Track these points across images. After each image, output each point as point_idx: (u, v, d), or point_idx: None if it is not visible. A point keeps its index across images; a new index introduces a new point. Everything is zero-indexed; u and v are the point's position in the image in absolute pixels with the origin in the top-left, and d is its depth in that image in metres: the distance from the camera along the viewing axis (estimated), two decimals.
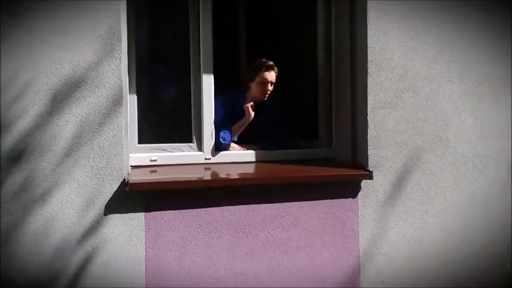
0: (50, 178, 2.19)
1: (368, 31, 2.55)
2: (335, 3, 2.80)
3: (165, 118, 3.13)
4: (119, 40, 2.25)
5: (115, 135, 2.26)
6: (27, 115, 2.16)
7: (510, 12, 2.80)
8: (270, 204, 2.48)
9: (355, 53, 2.67)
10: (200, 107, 2.65)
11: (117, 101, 2.26)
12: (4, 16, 2.11)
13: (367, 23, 2.55)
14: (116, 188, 2.26)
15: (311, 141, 2.96)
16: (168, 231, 2.34)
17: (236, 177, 2.51)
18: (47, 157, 2.18)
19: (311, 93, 2.99)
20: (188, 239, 2.37)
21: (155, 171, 2.47)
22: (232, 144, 2.87)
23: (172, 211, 2.35)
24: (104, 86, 2.24)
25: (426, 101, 2.67)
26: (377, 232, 2.63)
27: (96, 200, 2.24)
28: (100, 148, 2.24)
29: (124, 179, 2.27)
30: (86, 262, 2.23)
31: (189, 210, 2.37)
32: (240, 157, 2.76)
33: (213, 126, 2.67)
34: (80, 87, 2.21)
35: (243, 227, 2.44)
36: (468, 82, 2.74)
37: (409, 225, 2.67)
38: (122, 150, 2.27)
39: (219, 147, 2.76)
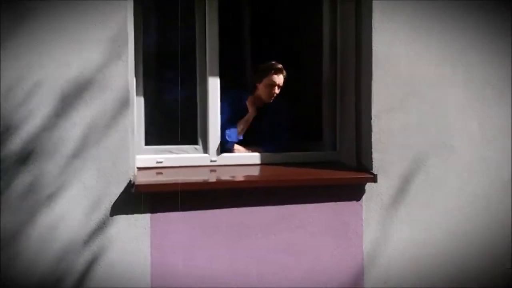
0: (57, 179, 2.15)
1: (373, 35, 2.51)
2: (341, 3, 2.75)
3: (171, 120, 3.08)
4: (126, 42, 2.21)
5: (121, 137, 2.21)
6: (35, 117, 2.12)
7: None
8: (274, 207, 2.44)
9: (361, 56, 2.63)
10: (206, 109, 2.61)
11: (124, 103, 2.21)
12: (10, 18, 2.07)
13: (372, 26, 2.50)
14: (122, 190, 2.22)
15: (316, 143, 2.92)
16: (173, 232, 2.30)
17: (241, 179, 2.48)
18: (54, 159, 2.14)
19: (316, 95, 2.95)
20: (193, 241, 2.33)
21: (161, 173, 2.44)
22: (237, 147, 2.84)
23: (177, 213, 2.31)
24: (111, 88, 2.20)
25: (431, 105, 2.63)
26: (380, 235, 2.59)
27: (102, 201, 2.20)
28: (106, 150, 2.20)
29: (130, 181, 2.23)
30: (92, 263, 2.20)
31: (194, 212, 2.33)
32: (245, 159, 2.72)
33: (219, 128, 2.63)
34: (87, 89, 2.17)
35: (248, 229, 2.40)
36: (472, 87, 2.70)
37: (413, 229, 2.64)
38: (129, 152, 2.23)
39: (225, 146, 2.72)
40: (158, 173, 2.43)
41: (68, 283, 2.17)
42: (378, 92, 2.53)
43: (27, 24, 2.10)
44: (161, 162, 2.53)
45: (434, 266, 2.68)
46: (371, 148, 2.54)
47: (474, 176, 2.72)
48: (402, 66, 2.56)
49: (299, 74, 3.18)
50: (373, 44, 2.51)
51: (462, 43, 2.67)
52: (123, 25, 2.20)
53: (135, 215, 2.24)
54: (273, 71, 2.90)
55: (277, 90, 2.94)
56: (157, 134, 2.82)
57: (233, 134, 2.79)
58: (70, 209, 2.16)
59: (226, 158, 2.67)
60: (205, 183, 2.35)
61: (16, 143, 2.10)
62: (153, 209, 2.27)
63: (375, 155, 2.54)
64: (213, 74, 2.58)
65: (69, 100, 2.15)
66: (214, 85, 2.59)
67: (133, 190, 2.19)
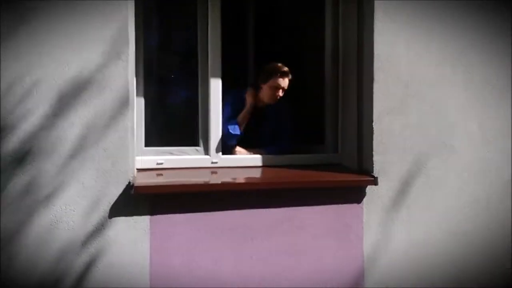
0: (55, 180, 2.06)
1: (375, 36, 2.43)
2: (343, 4, 2.67)
3: (172, 121, 2.99)
4: (127, 42, 2.12)
5: (121, 138, 2.12)
6: (33, 116, 2.02)
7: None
8: (275, 209, 2.36)
9: (362, 57, 2.55)
10: (208, 110, 2.52)
11: (123, 104, 2.12)
12: (10, 17, 1.98)
13: (374, 26, 2.43)
14: (121, 191, 2.12)
15: (317, 146, 2.85)
16: (173, 234, 2.21)
17: (242, 181, 2.40)
18: (52, 159, 2.05)
19: (318, 97, 2.88)
20: (194, 243, 2.24)
21: (162, 174, 2.34)
22: (239, 148, 2.77)
23: (177, 215, 2.22)
24: (111, 88, 2.10)
25: (431, 107, 2.56)
26: (381, 237, 2.52)
27: (101, 202, 2.11)
28: (105, 151, 2.10)
29: (129, 182, 2.13)
30: (90, 265, 2.11)
31: (195, 214, 2.24)
32: (246, 161, 2.64)
33: (220, 130, 2.53)
34: (86, 89, 2.08)
35: (249, 231, 2.32)
36: (472, 87, 2.64)
37: (413, 230, 2.57)
38: (128, 153, 2.14)
39: (228, 142, 2.67)
40: (158, 175, 2.34)
41: (65, 285, 2.08)
42: (379, 94, 2.46)
43: (26, 23, 2.01)
44: (161, 164, 2.43)
45: (435, 267, 2.61)
46: (372, 150, 2.48)
47: (474, 176, 2.66)
48: (402, 67, 2.50)
49: (301, 76, 3.10)
50: (375, 45, 2.44)
51: (462, 43, 2.60)
52: (124, 25, 2.11)
53: (135, 217, 2.15)
54: (279, 74, 2.83)
55: (281, 93, 2.88)
56: (157, 135, 2.74)
57: (236, 128, 2.73)
58: (68, 210, 2.07)
59: (227, 160, 2.58)
60: (206, 185, 2.26)
61: (13, 142, 2.00)
62: (152, 211, 2.18)
63: (376, 158, 2.47)
64: (215, 75, 2.50)
65: (68, 99, 2.06)
66: (215, 86, 2.50)
67: (132, 191, 2.10)
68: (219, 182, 2.31)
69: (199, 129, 2.55)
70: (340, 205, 2.45)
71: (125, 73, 2.12)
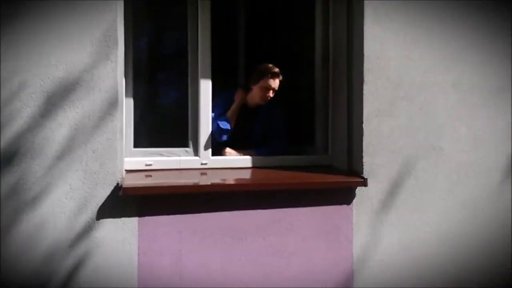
0: (42, 181, 2.00)
1: (365, 36, 2.40)
2: (333, 3, 2.64)
3: (161, 122, 2.93)
4: (115, 42, 2.07)
5: (109, 139, 2.06)
6: (20, 117, 1.97)
7: (506, 22, 2.66)
8: (265, 210, 2.31)
9: (352, 58, 2.52)
10: (198, 111, 2.47)
11: (112, 105, 2.06)
12: None
13: (364, 26, 2.39)
14: (109, 192, 2.07)
15: (307, 147, 2.80)
16: (162, 236, 2.15)
17: (232, 182, 2.34)
18: (39, 160, 1.99)
19: (308, 98, 2.84)
20: (182, 245, 2.19)
21: (150, 176, 2.29)
22: (229, 150, 2.72)
23: (166, 216, 2.16)
24: (99, 89, 2.05)
25: (421, 109, 2.52)
26: (371, 238, 2.48)
27: (89, 204, 2.05)
28: (93, 152, 2.05)
29: (117, 183, 2.08)
30: (77, 267, 2.05)
31: (183, 215, 2.19)
32: (236, 162, 2.59)
33: (210, 131, 2.48)
34: (74, 90, 2.02)
35: (238, 232, 2.27)
36: (461, 90, 2.60)
37: (403, 232, 2.53)
38: (116, 154, 2.08)
39: (218, 139, 2.64)
40: (147, 176, 2.28)
41: (53, 286, 2.02)
42: (369, 95, 2.43)
43: (13, 24, 1.95)
44: (150, 165, 2.38)
45: (424, 268, 2.58)
46: (362, 151, 2.44)
47: (463, 178, 2.63)
48: (392, 68, 2.46)
49: (291, 76, 3.05)
50: (365, 46, 2.41)
51: (452, 45, 2.57)
52: (113, 26, 2.06)
53: (123, 219, 2.10)
54: (270, 75, 2.80)
55: (271, 94, 2.84)
56: (146, 136, 2.68)
57: (226, 123, 2.71)
58: (55, 212, 2.02)
59: (217, 161, 2.54)
60: (195, 186, 2.21)
61: (0, 143, 1.95)
62: (141, 213, 2.12)
63: (365, 159, 2.44)
64: (205, 76, 2.45)
65: (56, 100, 2.00)
66: (205, 87, 2.46)
67: (120, 193, 2.04)
68: (209, 183, 2.25)
69: (188, 130, 2.50)
70: (330, 207, 2.41)
71: (114, 74, 2.06)
